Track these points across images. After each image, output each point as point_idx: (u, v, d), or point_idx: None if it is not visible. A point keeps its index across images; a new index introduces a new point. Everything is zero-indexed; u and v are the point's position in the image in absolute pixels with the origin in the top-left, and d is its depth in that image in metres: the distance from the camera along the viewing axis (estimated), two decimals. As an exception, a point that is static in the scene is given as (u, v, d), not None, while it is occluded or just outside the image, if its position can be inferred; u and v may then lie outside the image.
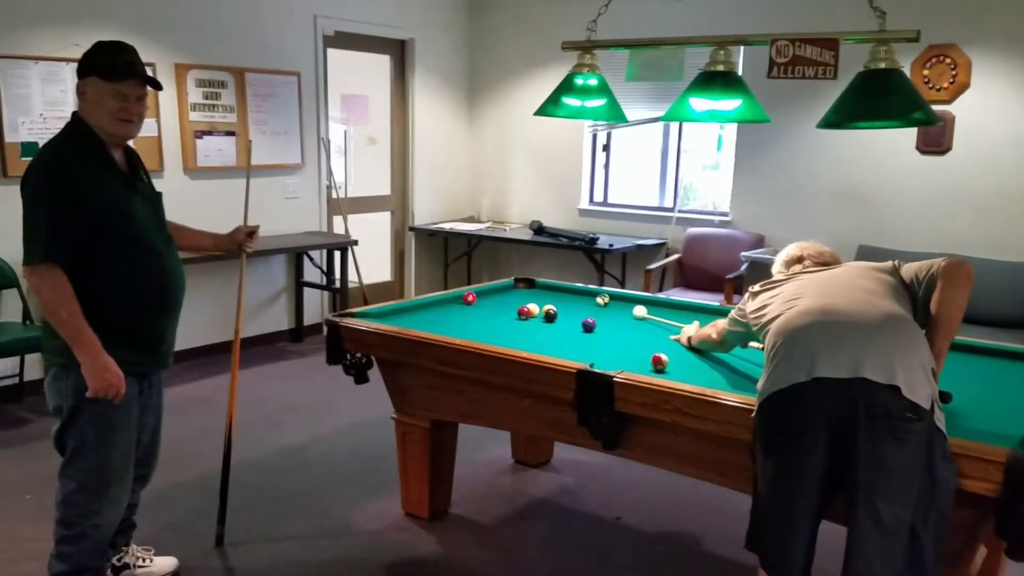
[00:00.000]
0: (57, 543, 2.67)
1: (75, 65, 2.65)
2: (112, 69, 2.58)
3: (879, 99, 2.80)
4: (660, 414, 2.59)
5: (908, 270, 2.50)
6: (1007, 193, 5.37)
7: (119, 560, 2.98)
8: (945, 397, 2.35)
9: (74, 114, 2.65)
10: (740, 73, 3.34)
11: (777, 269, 2.81)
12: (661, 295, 5.54)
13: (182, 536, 3.39)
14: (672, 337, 3.30)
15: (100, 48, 2.62)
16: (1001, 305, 5.16)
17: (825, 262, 2.72)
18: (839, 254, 2.82)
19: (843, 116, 2.89)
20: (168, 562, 3.12)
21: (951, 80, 5.41)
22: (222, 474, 3.38)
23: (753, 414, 2.32)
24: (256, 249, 3.32)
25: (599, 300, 3.93)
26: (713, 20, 6.08)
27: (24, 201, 2.52)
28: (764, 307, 2.54)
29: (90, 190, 2.52)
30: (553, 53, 4.51)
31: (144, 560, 3.05)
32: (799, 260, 2.76)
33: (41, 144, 2.70)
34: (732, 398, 2.48)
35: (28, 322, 4.84)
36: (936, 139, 5.52)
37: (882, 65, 2.81)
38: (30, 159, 2.63)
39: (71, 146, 2.58)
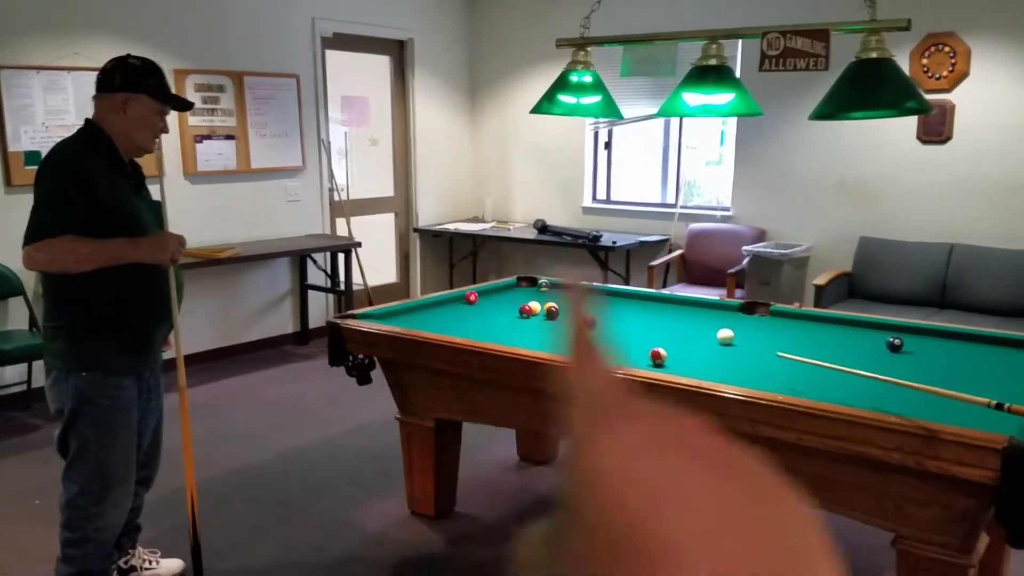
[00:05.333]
0: (62, 546, 2.70)
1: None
2: (165, 92, 2.69)
3: (871, 89, 2.80)
4: (658, 408, 2.59)
5: None
6: (1008, 181, 5.36)
7: (126, 563, 3.00)
8: None
9: (88, 121, 2.67)
10: (738, 67, 3.35)
11: None
12: (665, 291, 5.55)
13: (188, 538, 3.40)
14: None
15: (149, 69, 2.68)
16: (1002, 293, 5.18)
17: None
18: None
19: (834, 107, 2.89)
20: (175, 564, 3.15)
21: (950, 68, 5.39)
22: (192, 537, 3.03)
23: None
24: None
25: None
26: (707, 14, 6.06)
27: (38, 192, 2.52)
28: None
29: (104, 188, 2.54)
30: (552, 50, 4.52)
31: (151, 562, 3.08)
32: None
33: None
34: (729, 390, 2.47)
35: (34, 329, 4.87)
36: (937, 128, 5.50)
37: (873, 55, 2.81)
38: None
39: (87, 146, 2.60)
